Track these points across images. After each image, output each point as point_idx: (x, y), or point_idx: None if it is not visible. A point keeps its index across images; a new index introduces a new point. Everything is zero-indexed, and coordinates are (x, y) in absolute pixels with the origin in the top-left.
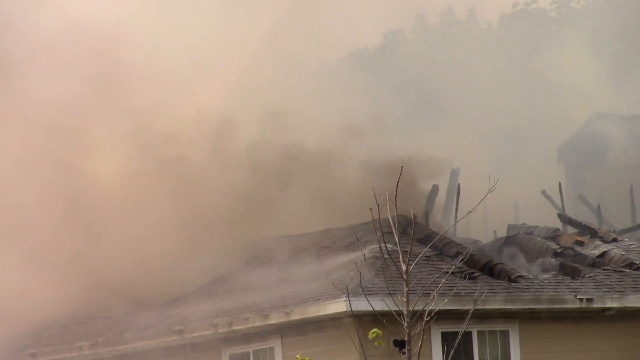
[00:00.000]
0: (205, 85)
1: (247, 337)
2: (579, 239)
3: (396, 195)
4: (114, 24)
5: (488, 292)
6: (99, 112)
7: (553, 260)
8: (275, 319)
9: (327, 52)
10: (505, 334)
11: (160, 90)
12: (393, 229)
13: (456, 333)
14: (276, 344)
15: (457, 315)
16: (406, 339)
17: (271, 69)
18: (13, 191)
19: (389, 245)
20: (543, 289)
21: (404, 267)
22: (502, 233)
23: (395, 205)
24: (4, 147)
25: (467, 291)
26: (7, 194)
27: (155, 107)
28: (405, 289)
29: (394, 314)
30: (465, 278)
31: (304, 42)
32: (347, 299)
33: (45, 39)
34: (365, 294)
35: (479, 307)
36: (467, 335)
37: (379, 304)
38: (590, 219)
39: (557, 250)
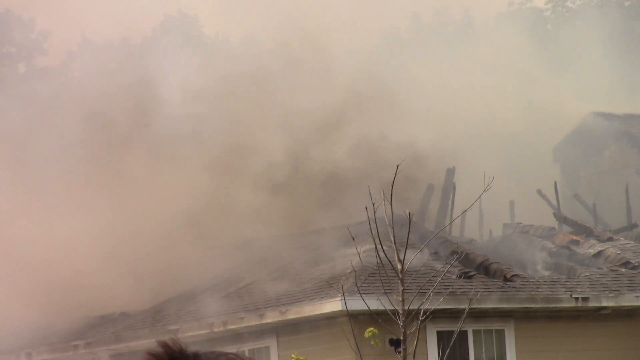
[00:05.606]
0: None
1: (243, 336)
2: (574, 238)
3: (392, 194)
4: None
5: (483, 291)
6: None
7: (548, 259)
8: (270, 318)
9: (323, 51)
10: (500, 333)
11: None
12: (389, 228)
13: (452, 332)
14: (272, 343)
15: (452, 315)
16: (402, 338)
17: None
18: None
19: (384, 244)
20: (538, 288)
21: (399, 266)
22: (498, 232)
23: (391, 204)
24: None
25: (462, 290)
26: None
27: None
28: (401, 288)
29: (390, 313)
30: (460, 277)
31: (301, 41)
32: (343, 298)
33: None
34: (360, 293)
35: (475, 306)
36: (463, 335)
37: (375, 303)
38: (585, 218)
39: (553, 250)
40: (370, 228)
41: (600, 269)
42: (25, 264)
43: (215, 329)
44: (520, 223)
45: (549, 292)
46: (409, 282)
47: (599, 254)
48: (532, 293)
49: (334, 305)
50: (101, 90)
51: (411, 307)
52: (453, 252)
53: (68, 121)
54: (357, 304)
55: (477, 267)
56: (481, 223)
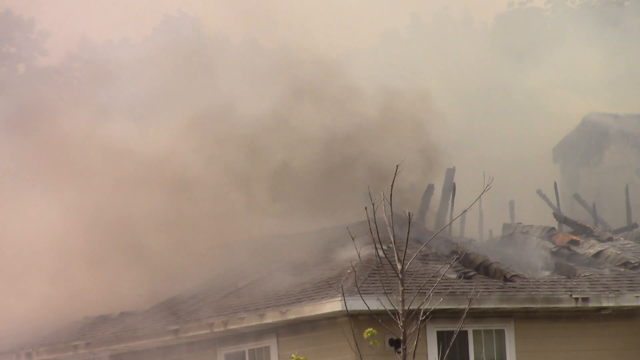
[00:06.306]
0: None
1: (243, 336)
2: (574, 238)
3: (391, 194)
4: None
5: (483, 292)
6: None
7: (548, 259)
8: (270, 318)
9: (323, 52)
10: (500, 333)
11: None
12: (388, 228)
13: (452, 332)
14: (272, 343)
15: (452, 315)
16: (402, 338)
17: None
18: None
19: (384, 245)
20: (538, 288)
21: (399, 266)
22: (498, 232)
23: (391, 204)
24: None
25: (462, 290)
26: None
27: None
28: (401, 288)
29: (390, 313)
30: (460, 277)
31: (299, 41)
32: (343, 298)
33: None
34: (360, 293)
35: (475, 306)
36: (463, 335)
37: (375, 303)
38: (585, 218)
39: (553, 250)
40: (370, 228)
41: (600, 269)
42: (24, 263)
43: (215, 329)
44: (520, 223)
45: (549, 292)
46: (409, 282)
47: (599, 254)
48: (532, 293)
49: (334, 305)
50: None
51: (411, 307)
52: (453, 252)
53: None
54: (357, 304)
55: (477, 267)
56: (481, 223)
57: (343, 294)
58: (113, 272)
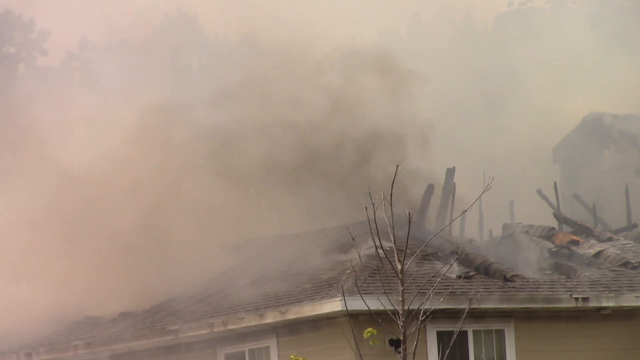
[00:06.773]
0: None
1: (243, 336)
2: (574, 238)
3: (391, 194)
4: None
5: (483, 292)
6: None
7: (548, 259)
8: (270, 318)
9: (321, 52)
10: (500, 333)
11: None
12: (388, 228)
13: (452, 332)
14: (272, 343)
15: (452, 315)
16: (401, 338)
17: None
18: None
19: (384, 244)
20: (538, 288)
21: (399, 266)
22: (498, 232)
23: (391, 204)
24: None
25: (462, 290)
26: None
27: None
28: (401, 288)
29: (390, 313)
30: (460, 277)
31: (298, 41)
32: (343, 298)
33: None
34: (360, 293)
35: (475, 306)
36: (463, 335)
37: (375, 303)
38: (585, 218)
39: (553, 250)
40: (370, 228)
41: (600, 269)
42: (22, 265)
43: (215, 329)
44: (520, 223)
45: (549, 292)
46: (409, 282)
47: (599, 254)
48: (532, 293)
49: (334, 305)
50: None
51: (411, 307)
52: (453, 252)
53: None
54: (357, 304)
55: (477, 267)
56: (481, 223)
57: (343, 294)
58: (113, 272)
